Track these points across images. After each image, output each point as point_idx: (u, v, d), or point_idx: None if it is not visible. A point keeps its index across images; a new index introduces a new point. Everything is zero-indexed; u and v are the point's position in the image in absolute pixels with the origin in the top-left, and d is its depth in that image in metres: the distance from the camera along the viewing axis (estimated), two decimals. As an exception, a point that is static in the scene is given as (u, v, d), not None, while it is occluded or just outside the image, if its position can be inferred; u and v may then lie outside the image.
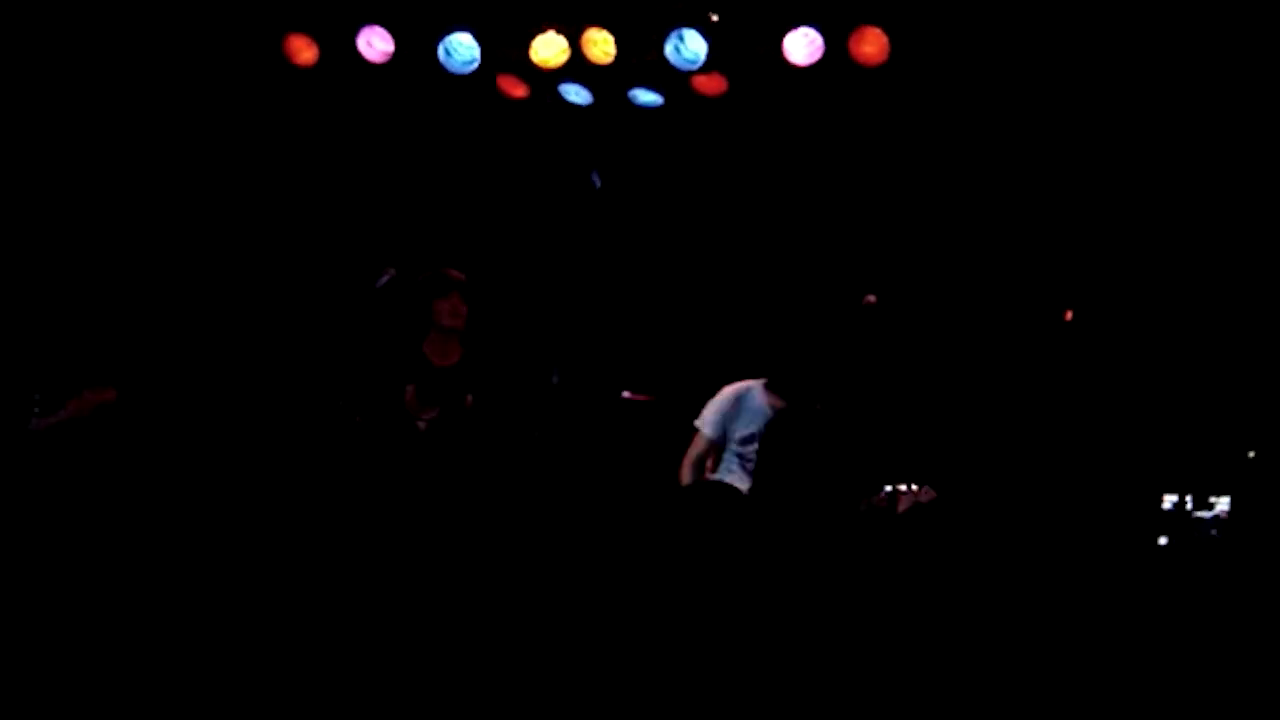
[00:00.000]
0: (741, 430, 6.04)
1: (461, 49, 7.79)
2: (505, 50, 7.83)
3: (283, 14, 7.87)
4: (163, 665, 5.65)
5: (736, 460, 6.06)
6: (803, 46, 7.55)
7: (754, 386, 6.10)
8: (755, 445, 5.78)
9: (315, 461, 6.85)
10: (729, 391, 6.14)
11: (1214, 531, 6.71)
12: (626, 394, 7.99)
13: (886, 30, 7.48)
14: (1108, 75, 7.40)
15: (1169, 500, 6.77)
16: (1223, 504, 6.73)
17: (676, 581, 4.99)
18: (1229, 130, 7.32)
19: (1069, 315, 7.60)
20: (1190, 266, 7.51)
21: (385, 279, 6.84)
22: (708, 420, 6.11)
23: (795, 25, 7.53)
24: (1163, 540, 6.73)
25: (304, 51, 7.89)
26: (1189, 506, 6.74)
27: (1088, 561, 6.47)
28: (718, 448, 6.13)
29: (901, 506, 5.94)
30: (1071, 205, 7.68)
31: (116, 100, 7.91)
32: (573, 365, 8.07)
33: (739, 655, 4.74)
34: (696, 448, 6.13)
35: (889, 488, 5.84)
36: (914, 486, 5.91)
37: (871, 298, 6.19)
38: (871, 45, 7.50)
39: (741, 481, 5.88)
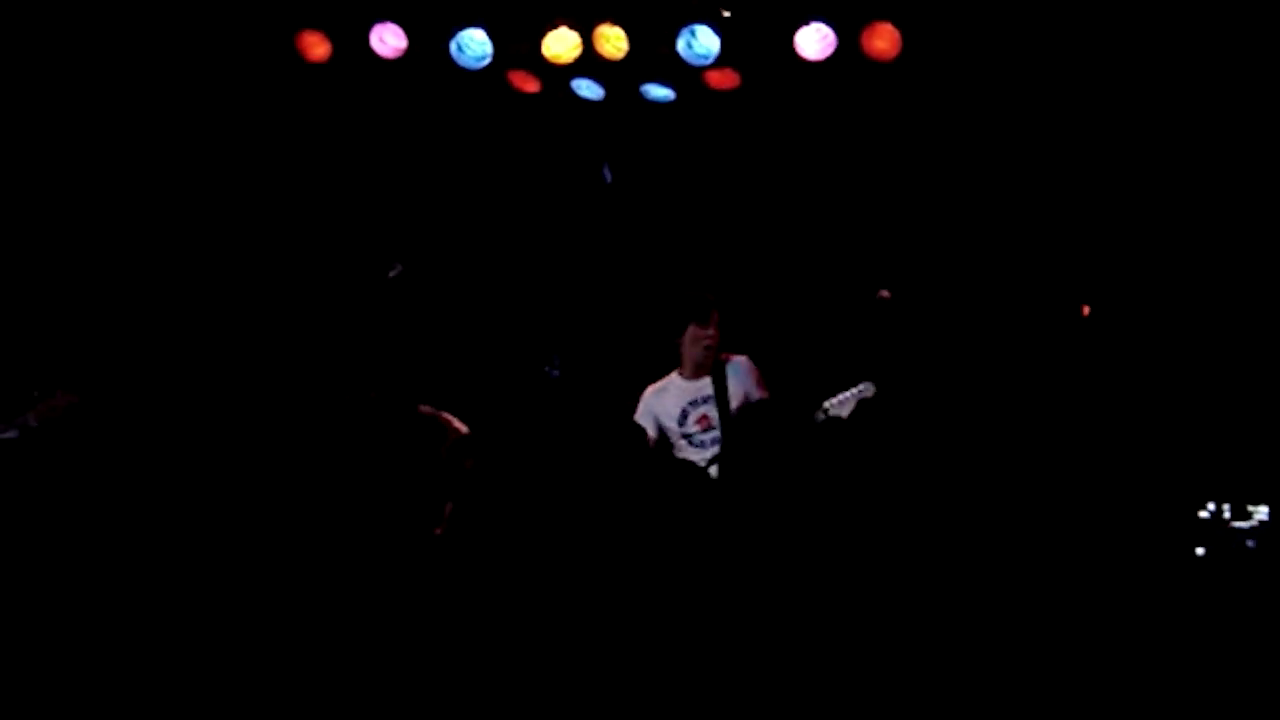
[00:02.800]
0: (669, 418, 6.34)
1: (474, 45, 7.79)
2: (517, 46, 7.83)
3: (296, 10, 7.87)
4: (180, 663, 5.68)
5: (684, 441, 6.34)
6: (815, 41, 7.55)
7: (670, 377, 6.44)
8: (691, 422, 5.99)
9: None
10: (647, 391, 6.48)
11: (1251, 543, 6.67)
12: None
13: (899, 25, 7.49)
14: (1122, 66, 7.39)
15: (1207, 509, 6.73)
16: (1262, 513, 6.69)
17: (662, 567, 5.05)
18: (1254, 115, 7.30)
19: (1086, 311, 7.59)
20: (1227, 265, 7.48)
21: (394, 272, 6.87)
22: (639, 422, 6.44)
23: (808, 20, 7.53)
24: (1200, 550, 6.70)
25: (317, 47, 7.90)
26: (1227, 515, 6.70)
27: (1121, 570, 6.45)
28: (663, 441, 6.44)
29: (845, 413, 5.96)
30: (1090, 197, 7.67)
31: (130, 96, 7.93)
32: (583, 360, 8.08)
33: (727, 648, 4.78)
34: None
35: (825, 405, 5.91)
36: (851, 391, 5.94)
37: (885, 293, 6.21)
38: (884, 40, 7.51)
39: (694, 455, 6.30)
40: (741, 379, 6.25)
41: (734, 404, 6.19)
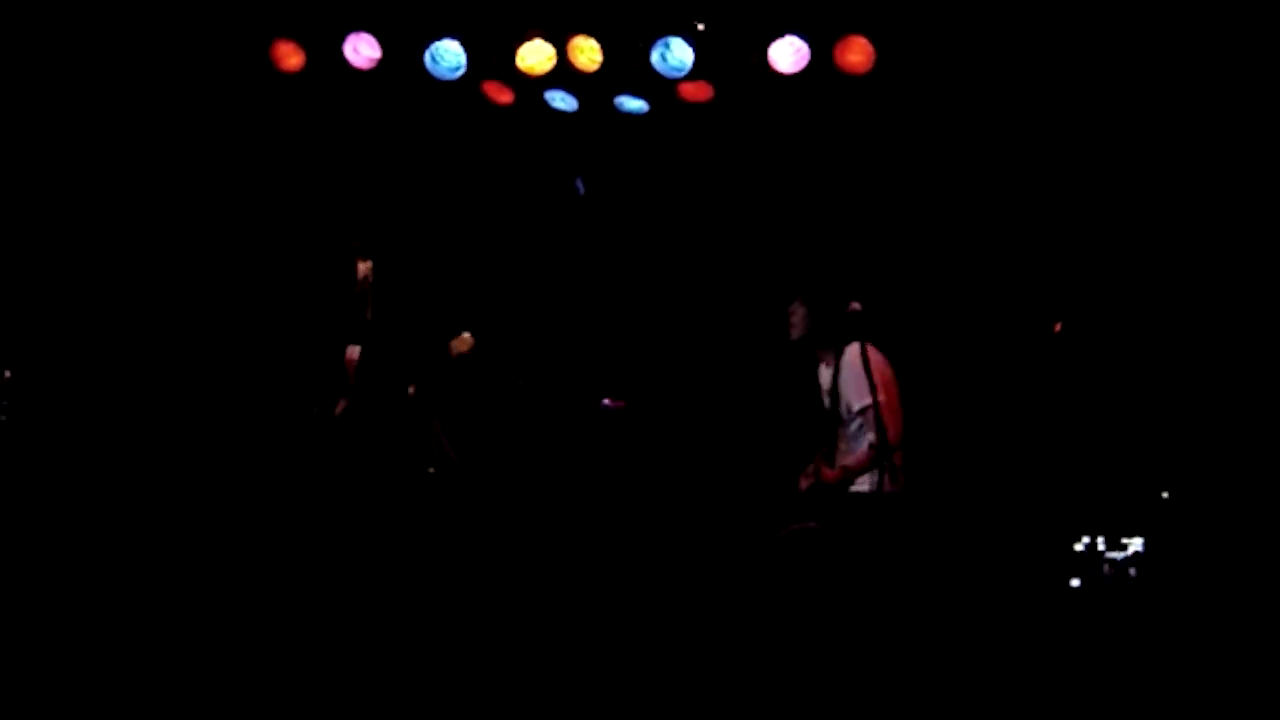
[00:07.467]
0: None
1: (448, 55, 7.79)
2: (491, 57, 7.84)
3: (270, 19, 7.86)
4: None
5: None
6: (789, 55, 7.58)
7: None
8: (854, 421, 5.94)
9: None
10: None
11: (1131, 571, 6.75)
12: (606, 401, 8.00)
13: (872, 39, 7.52)
14: (1094, 85, 7.43)
15: (1082, 542, 6.81)
16: (1135, 544, 6.78)
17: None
18: (1215, 153, 7.38)
19: (1057, 328, 7.64)
20: (1107, 307, 7.59)
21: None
22: None
23: (782, 34, 7.56)
24: (1075, 582, 6.77)
25: (291, 57, 7.89)
26: (1101, 547, 6.78)
27: (998, 602, 6.49)
28: None
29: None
30: (1063, 209, 7.71)
31: (104, 104, 7.91)
32: (553, 372, 8.08)
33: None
34: None
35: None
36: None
37: (856, 305, 6.20)
38: (857, 54, 7.54)
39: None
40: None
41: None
